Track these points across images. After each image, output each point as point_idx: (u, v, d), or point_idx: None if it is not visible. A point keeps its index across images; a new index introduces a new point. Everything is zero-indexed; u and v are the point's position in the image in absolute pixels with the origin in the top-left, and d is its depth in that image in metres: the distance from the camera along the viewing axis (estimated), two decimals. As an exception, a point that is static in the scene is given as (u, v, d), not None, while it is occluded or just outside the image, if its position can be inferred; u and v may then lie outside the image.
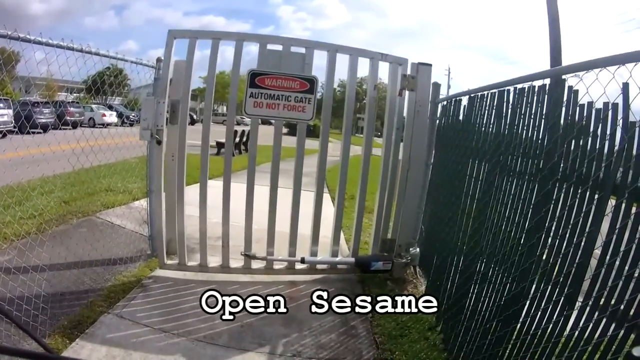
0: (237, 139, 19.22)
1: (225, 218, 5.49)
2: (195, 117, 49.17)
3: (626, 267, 2.01)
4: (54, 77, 5.18)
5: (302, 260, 5.60)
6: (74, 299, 4.75)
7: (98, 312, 4.46)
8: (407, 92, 5.53)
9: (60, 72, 4.67)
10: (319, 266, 5.84)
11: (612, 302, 2.07)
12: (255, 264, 5.64)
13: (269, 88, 5.27)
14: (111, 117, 28.70)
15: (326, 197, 5.24)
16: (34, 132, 5.19)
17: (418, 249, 5.69)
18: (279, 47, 5.36)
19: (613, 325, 2.04)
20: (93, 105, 28.29)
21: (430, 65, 5.53)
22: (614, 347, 2.00)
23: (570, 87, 2.65)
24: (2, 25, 3.93)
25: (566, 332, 2.34)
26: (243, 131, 19.13)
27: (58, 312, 4.44)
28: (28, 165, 5.24)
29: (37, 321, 4.23)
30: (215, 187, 5.55)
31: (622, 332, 1.96)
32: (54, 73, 4.82)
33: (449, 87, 58.08)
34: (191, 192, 5.75)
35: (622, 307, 2.00)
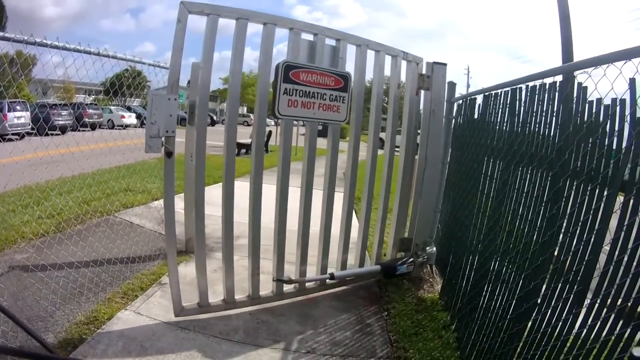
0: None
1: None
2: (215, 118, 49.37)
3: (634, 264, 2.01)
4: (71, 80, 5.24)
5: (332, 277, 5.11)
6: (92, 296, 4.81)
7: (115, 309, 4.52)
8: (422, 92, 5.50)
9: (78, 75, 4.78)
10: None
11: (619, 300, 2.06)
12: (287, 286, 5.01)
13: (305, 84, 4.53)
14: (130, 118, 29.08)
15: (339, 196, 5.06)
16: (52, 134, 5.26)
17: (434, 248, 5.67)
18: (310, 37, 4.68)
19: (620, 323, 2.03)
20: (112, 107, 28.58)
21: (445, 64, 5.49)
22: (620, 345, 2.00)
23: (579, 84, 2.63)
24: (18, 30, 4.04)
25: (575, 330, 2.34)
26: (270, 131, 19.09)
27: (75, 309, 4.52)
28: (47, 166, 5.32)
29: (53, 317, 4.33)
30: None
31: (629, 330, 1.97)
32: (72, 76, 4.89)
33: (468, 86, 57.85)
34: (211, 192, 5.72)
35: (629, 304, 2.00)
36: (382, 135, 5.61)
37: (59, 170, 6.23)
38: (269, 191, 4.75)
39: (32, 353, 1.16)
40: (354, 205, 5.53)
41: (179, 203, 5.90)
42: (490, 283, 3.63)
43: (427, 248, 5.65)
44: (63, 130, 6.03)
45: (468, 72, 66.56)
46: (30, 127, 11.93)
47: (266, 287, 4.88)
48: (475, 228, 4.23)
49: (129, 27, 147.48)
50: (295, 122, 4.95)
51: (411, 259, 5.51)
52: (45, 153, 5.21)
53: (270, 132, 18.15)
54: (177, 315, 4.35)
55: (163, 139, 4.02)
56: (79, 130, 5.76)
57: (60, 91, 6.36)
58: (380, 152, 5.37)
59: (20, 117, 18.05)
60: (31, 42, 4.06)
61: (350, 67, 4.93)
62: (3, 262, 5.29)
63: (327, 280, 5.19)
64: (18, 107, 18.57)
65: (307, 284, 5.13)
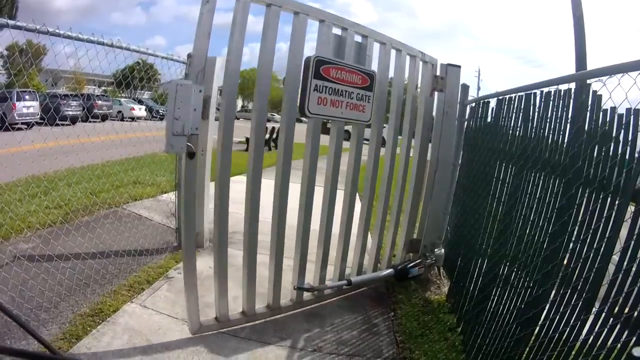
0: (267, 135, 19.18)
1: (278, 253, 4.39)
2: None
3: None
4: (83, 71, 5.24)
5: (349, 283, 4.99)
6: (97, 288, 4.82)
7: (121, 301, 4.53)
8: (436, 93, 5.47)
9: (91, 66, 4.77)
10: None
11: (627, 309, 2.06)
12: (306, 294, 4.81)
13: (334, 81, 4.28)
14: (140, 111, 29.29)
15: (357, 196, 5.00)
16: (62, 124, 5.25)
17: (442, 250, 5.66)
18: (338, 31, 4.39)
19: (626, 331, 2.04)
20: (122, 99, 28.69)
21: (459, 66, 5.48)
22: (625, 353, 2.00)
23: (594, 92, 2.63)
24: (29, 19, 3.97)
25: (582, 337, 2.34)
26: (273, 128, 19.06)
27: (80, 300, 4.53)
28: (56, 157, 5.32)
29: (58, 308, 4.33)
30: (242, 182, 5.22)
31: (634, 338, 1.97)
32: (84, 67, 4.89)
33: (478, 88, 57.79)
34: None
35: (635, 313, 2.01)
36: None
37: (68, 161, 6.24)
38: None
39: (32, 353, 1.13)
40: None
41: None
42: (498, 287, 3.62)
43: (436, 250, 5.63)
44: (73, 120, 6.03)
45: (479, 74, 66.64)
46: (39, 116, 11.95)
47: (284, 294, 4.67)
48: (485, 232, 4.22)
49: (139, 20, 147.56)
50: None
51: (420, 261, 5.49)
52: (55, 143, 5.22)
53: (273, 128, 18.21)
54: (195, 334, 4.02)
55: (187, 137, 3.53)
56: (89, 121, 5.74)
57: (72, 82, 6.36)
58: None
59: (29, 107, 18.09)
60: (43, 31, 4.00)
61: (372, 66, 4.78)
62: (9, 252, 5.26)
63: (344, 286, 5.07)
64: (27, 97, 18.62)
65: (325, 291, 4.98)
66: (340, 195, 4.81)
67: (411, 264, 5.40)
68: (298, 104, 4.16)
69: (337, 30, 4.37)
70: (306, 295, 4.81)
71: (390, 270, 5.39)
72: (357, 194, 5.11)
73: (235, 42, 3.71)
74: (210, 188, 5.62)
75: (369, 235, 5.39)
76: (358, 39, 4.59)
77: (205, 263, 5.48)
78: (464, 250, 4.91)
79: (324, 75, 4.18)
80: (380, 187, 5.32)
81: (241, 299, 4.36)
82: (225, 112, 3.84)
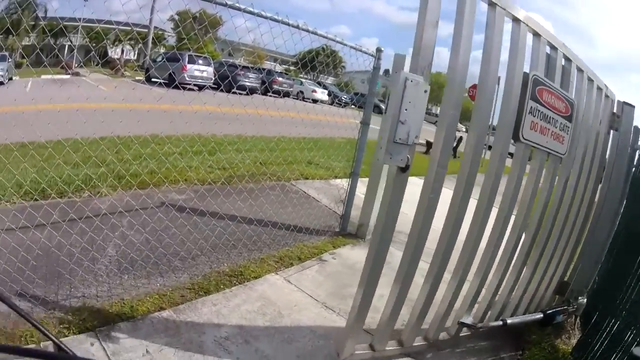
0: (454, 144, 18.91)
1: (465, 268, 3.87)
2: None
3: None
4: (265, 47, 5.44)
5: (505, 324, 4.33)
6: (245, 252, 4.98)
7: (265, 270, 4.63)
8: (611, 132, 5.05)
9: (275, 43, 4.92)
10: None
11: None
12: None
13: (545, 105, 3.79)
14: (323, 94, 29.90)
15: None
16: (238, 93, 5.49)
17: (585, 299, 5.32)
18: (547, 50, 3.90)
19: None
20: (303, 80, 29.56)
21: (634, 106, 4.98)
22: None
23: None
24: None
25: None
26: (461, 137, 18.75)
27: (222, 259, 4.72)
28: (229, 122, 5.58)
29: (195, 260, 4.56)
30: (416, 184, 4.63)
31: None
32: (267, 43, 5.07)
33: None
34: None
35: None
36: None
37: (241, 129, 6.51)
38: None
39: (40, 351, 1.15)
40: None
41: (361, 187, 6.00)
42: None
43: (579, 298, 5.29)
44: (251, 91, 6.31)
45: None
46: (212, 81, 12.71)
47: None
48: (631, 295, 3.90)
49: (323, 7, 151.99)
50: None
51: (565, 308, 5.11)
52: (230, 110, 5.49)
53: (460, 137, 17.92)
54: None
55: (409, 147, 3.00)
56: (269, 96, 5.99)
57: (252, 56, 6.69)
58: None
59: (202, 71, 19.28)
60: (221, 3, 4.22)
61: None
62: (157, 198, 5.60)
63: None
64: (200, 61, 19.89)
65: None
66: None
67: (558, 310, 5.09)
68: (511, 126, 3.63)
69: (546, 49, 3.93)
70: (464, 332, 4.30)
71: (539, 315, 4.87)
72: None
73: (464, 45, 3.16)
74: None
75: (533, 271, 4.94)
76: (562, 61, 4.14)
77: (361, 255, 5.20)
78: (603, 306, 4.59)
79: (538, 97, 3.74)
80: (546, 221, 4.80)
81: (385, 299, 3.69)
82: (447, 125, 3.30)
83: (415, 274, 3.51)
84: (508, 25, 3.53)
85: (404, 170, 3.00)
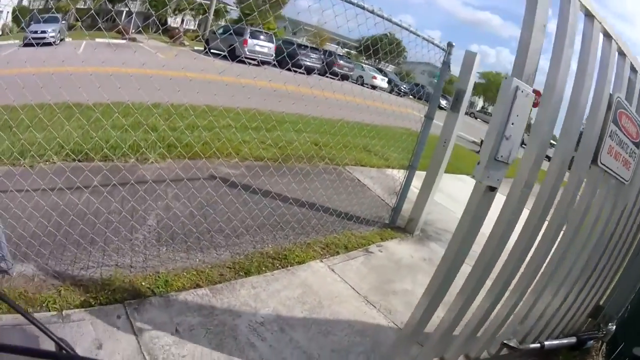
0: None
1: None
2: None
3: None
4: (327, 29, 5.27)
5: (542, 347, 4.11)
6: (292, 235, 4.85)
7: (310, 256, 4.51)
8: None
9: (336, 22, 4.67)
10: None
11: None
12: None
13: (622, 130, 3.44)
14: (383, 82, 29.38)
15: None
16: (296, 71, 5.34)
17: (614, 327, 5.03)
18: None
19: None
20: (364, 65, 29.32)
21: None
22: None
23: None
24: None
25: None
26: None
27: (267, 239, 4.60)
28: (294, 102, 5.43)
29: (239, 238, 4.46)
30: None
31: None
32: (339, 25, 4.87)
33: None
34: (449, 181, 5.53)
35: None
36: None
37: (303, 109, 6.37)
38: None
39: (40, 350, 1.01)
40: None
41: (415, 181, 5.85)
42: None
43: (610, 324, 5.00)
44: (309, 71, 6.16)
45: None
46: (272, 57, 12.77)
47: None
48: None
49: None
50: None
51: (596, 333, 4.87)
52: (295, 89, 5.34)
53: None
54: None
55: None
56: (328, 77, 5.85)
57: (317, 38, 6.57)
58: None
59: (263, 47, 19.35)
60: None
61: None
62: (208, 171, 5.51)
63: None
64: (262, 37, 19.99)
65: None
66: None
67: (589, 335, 4.79)
68: (592, 150, 3.27)
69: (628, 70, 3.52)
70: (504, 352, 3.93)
71: (573, 339, 4.66)
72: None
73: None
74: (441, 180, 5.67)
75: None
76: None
77: (408, 250, 5.38)
78: (630, 337, 4.35)
79: (618, 121, 3.38)
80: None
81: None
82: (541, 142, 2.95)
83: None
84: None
85: (492, 189, 2.62)
